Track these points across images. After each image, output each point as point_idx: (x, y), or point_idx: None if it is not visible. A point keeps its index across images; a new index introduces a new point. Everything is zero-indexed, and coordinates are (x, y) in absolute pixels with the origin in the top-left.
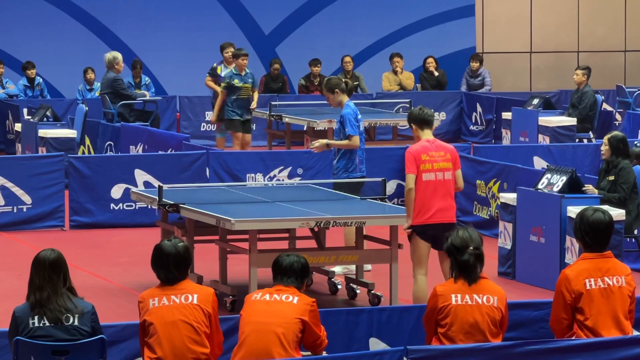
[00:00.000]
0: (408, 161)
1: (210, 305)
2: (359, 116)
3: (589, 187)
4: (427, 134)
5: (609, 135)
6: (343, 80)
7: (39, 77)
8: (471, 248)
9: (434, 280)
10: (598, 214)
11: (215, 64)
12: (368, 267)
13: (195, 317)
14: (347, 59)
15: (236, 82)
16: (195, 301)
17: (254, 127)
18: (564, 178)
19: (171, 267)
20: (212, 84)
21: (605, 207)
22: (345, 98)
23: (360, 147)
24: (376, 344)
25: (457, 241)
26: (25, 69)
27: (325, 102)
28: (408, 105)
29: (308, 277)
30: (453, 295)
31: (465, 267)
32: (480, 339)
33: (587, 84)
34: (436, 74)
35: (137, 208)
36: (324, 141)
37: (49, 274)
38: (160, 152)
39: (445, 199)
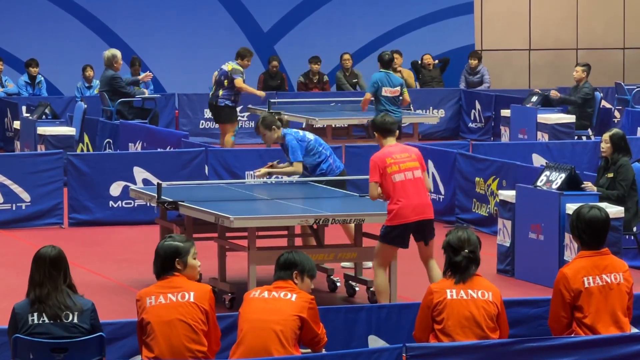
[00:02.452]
0: (371, 169)
1: (207, 302)
2: (301, 134)
3: (588, 185)
4: (390, 141)
5: (610, 133)
6: (276, 116)
7: (40, 76)
8: (466, 251)
9: (418, 278)
10: (594, 211)
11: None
12: (368, 264)
13: (192, 315)
14: (346, 56)
15: None
16: (192, 299)
17: (252, 124)
18: (563, 175)
19: (157, 263)
20: (247, 87)
21: (604, 204)
22: (280, 132)
23: (321, 155)
24: (375, 342)
25: (454, 241)
26: (29, 65)
27: (325, 100)
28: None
29: (307, 269)
30: (448, 291)
31: (457, 268)
32: (477, 333)
33: (587, 80)
34: (436, 61)
35: (136, 205)
36: (266, 170)
37: (49, 271)
38: (159, 150)
39: (420, 196)
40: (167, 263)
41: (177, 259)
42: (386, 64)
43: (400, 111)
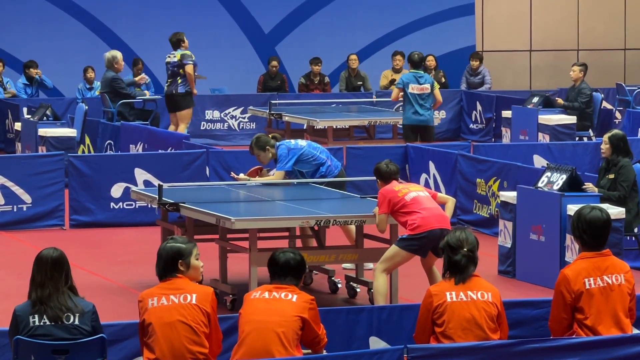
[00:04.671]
0: (380, 202)
1: (209, 304)
2: (293, 143)
3: (589, 186)
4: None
5: (609, 134)
6: (271, 135)
7: (37, 75)
8: (465, 249)
9: (419, 280)
10: (595, 212)
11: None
12: (369, 265)
13: (194, 317)
14: (353, 57)
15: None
16: (194, 301)
17: (253, 125)
18: (564, 176)
19: (160, 265)
20: (192, 77)
21: (605, 205)
22: (274, 150)
23: (318, 159)
24: (376, 343)
25: (453, 240)
26: (29, 67)
27: (326, 101)
28: None
29: (305, 272)
30: (447, 293)
31: (457, 267)
32: (479, 334)
33: (584, 80)
34: (440, 76)
35: (137, 207)
36: (245, 178)
37: (51, 272)
38: (160, 151)
39: (437, 207)
40: (169, 264)
41: (179, 261)
42: (416, 64)
43: (428, 110)
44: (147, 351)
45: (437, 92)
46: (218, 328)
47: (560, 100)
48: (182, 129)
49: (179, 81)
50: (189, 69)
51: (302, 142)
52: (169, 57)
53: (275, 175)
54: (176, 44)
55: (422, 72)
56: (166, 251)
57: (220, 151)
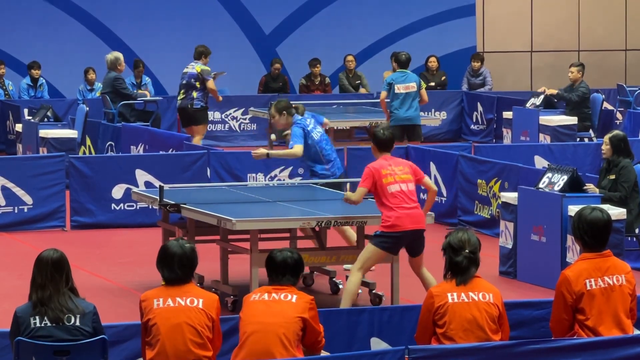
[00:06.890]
0: (365, 175)
1: (214, 311)
2: (311, 127)
3: (590, 186)
4: (385, 154)
5: (609, 135)
6: (294, 105)
7: (42, 78)
8: (466, 251)
9: (413, 281)
10: (596, 213)
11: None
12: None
13: (200, 320)
14: (350, 57)
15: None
16: (200, 305)
17: (254, 126)
18: (565, 177)
19: (175, 266)
20: (216, 90)
21: (606, 206)
22: (291, 119)
23: (323, 152)
24: (377, 344)
25: (455, 241)
26: (31, 68)
27: (327, 102)
28: None
29: (302, 271)
30: (449, 294)
31: (458, 268)
32: (480, 335)
33: (583, 80)
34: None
35: (138, 208)
36: (264, 151)
37: (51, 273)
38: (161, 152)
39: (416, 207)
40: (188, 270)
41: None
42: (403, 64)
43: (415, 109)
44: (148, 351)
45: (423, 91)
46: (220, 335)
47: (551, 90)
48: (197, 141)
49: (195, 95)
50: (211, 84)
51: (319, 130)
52: (188, 67)
53: (293, 149)
54: (198, 55)
55: (408, 71)
56: (189, 256)
57: (221, 152)
